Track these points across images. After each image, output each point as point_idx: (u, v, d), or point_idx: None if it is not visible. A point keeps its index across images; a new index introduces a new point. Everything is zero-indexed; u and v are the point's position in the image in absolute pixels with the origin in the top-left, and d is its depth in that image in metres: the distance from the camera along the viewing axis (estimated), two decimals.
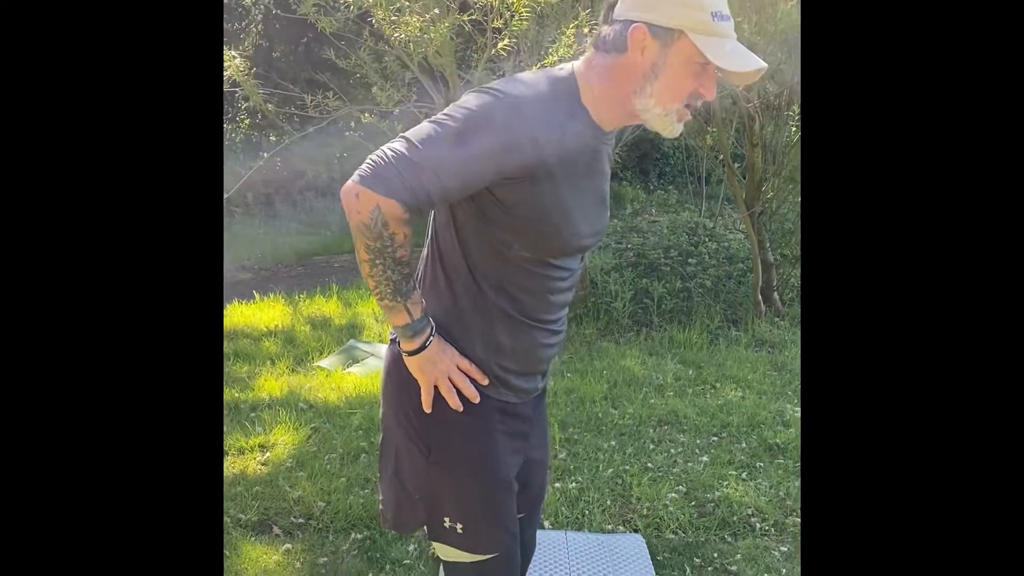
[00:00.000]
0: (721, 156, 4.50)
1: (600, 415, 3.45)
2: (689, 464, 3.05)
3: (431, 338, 1.25)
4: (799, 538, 2.58)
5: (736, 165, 4.99)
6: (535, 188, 1.17)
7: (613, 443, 3.19)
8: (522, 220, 1.19)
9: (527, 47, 3.53)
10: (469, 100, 1.16)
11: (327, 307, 5.13)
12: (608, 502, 2.76)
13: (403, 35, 2.97)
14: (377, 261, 1.17)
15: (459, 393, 1.28)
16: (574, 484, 2.85)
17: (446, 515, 1.31)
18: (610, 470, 2.96)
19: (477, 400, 1.28)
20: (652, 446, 3.19)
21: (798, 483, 2.91)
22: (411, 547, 2.45)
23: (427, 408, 1.28)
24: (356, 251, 1.19)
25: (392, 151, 1.13)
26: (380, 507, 1.39)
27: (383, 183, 1.12)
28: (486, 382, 1.29)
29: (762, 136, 4.35)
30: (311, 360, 4.13)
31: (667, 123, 1.21)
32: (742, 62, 1.15)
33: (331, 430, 3.23)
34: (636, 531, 2.60)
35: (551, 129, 1.16)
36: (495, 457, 1.31)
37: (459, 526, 1.30)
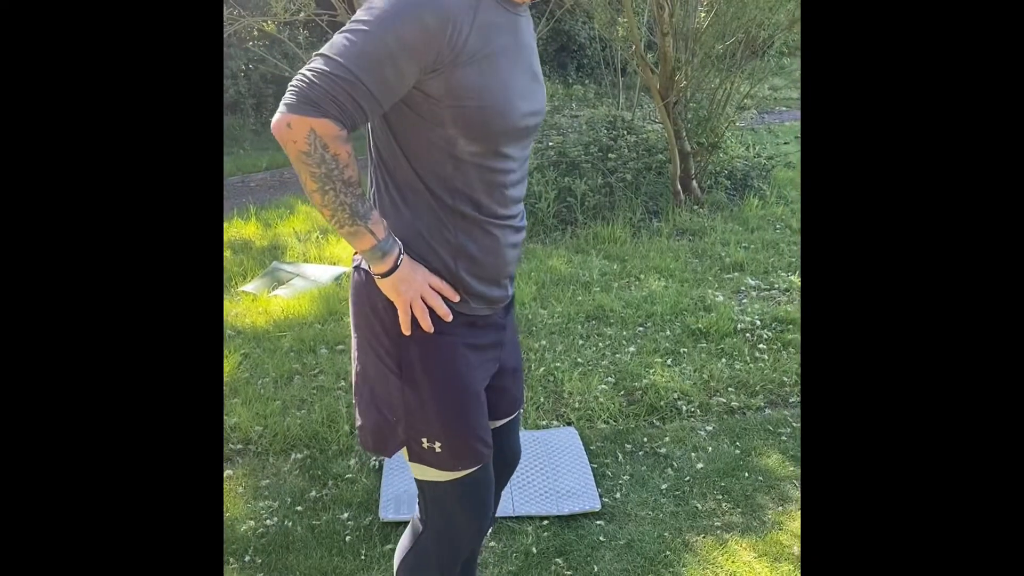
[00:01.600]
0: (633, 47, 4.45)
1: (530, 316, 3.51)
2: (617, 355, 3.15)
3: (401, 256, 1.23)
4: (723, 417, 2.73)
5: (649, 55, 4.95)
6: (463, 72, 1.15)
7: (544, 342, 3.27)
8: (459, 110, 1.17)
9: None
10: (374, 1, 1.12)
11: (246, 229, 5.00)
12: (542, 399, 2.85)
13: None
14: (327, 187, 1.14)
15: (431, 312, 1.27)
16: None
17: (423, 435, 1.31)
18: (542, 368, 3.04)
19: (450, 319, 1.28)
20: (581, 342, 3.28)
21: (720, 364, 3.05)
22: (352, 461, 2.50)
23: (405, 330, 1.26)
24: (303, 183, 1.15)
25: (312, 71, 1.10)
26: (358, 432, 1.39)
27: (312, 105, 1.09)
28: (457, 298, 1.29)
29: (672, 24, 4.31)
30: (235, 285, 4.06)
31: None
32: None
33: (262, 355, 3.21)
34: (569, 424, 2.71)
35: (462, 9, 1.14)
36: (466, 372, 1.32)
37: (437, 445, 1.31)
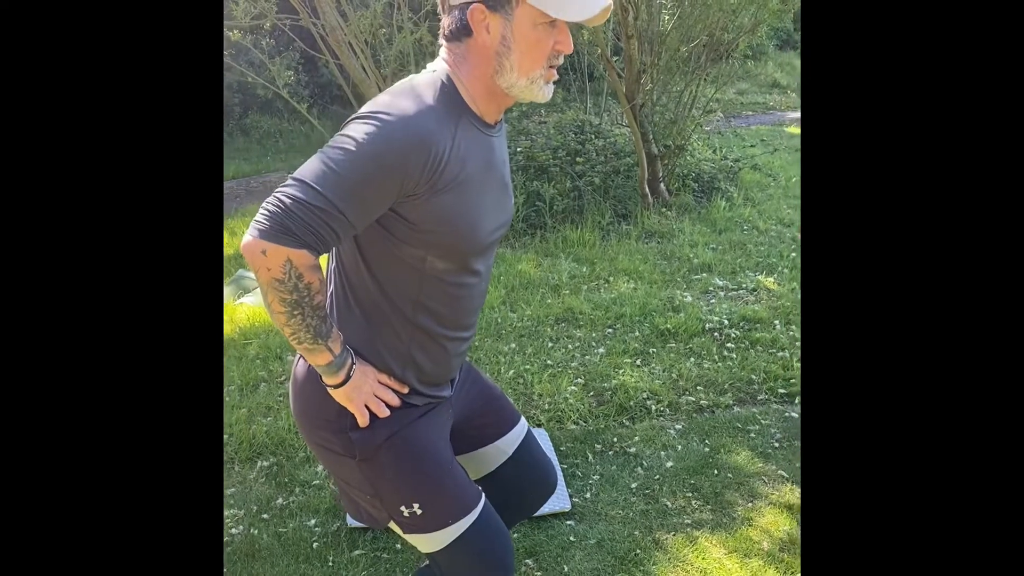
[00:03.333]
0: (599, 51, 4.47)
1: (499, 320, 3.50)
2: (586, 357, 3.15)
3: (353, 367, 1.23)
4: (692, 416, 2.74)
5: (615, 58, 4.98)
6: (438, 199, 1.14)
7: (513, 345, 3.26)
8: (431, 233, 1.17)
9: None
10: (353, 129, 1.11)
11: None
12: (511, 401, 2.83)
13: None
14: (295, 312, 1.14)
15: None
16: None
17: (400, 504, 1.29)
18: (511, 371, 3.03)
19: (398, 404, 1.28)
20: (550, 344, 3.28)
21: (689, 364, 3.06)
22: (319, 467, 2.47)
23: (363, 423, 1.26)
24: (268, 304, 1.14)
25: (290, 197, 1.07)
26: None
27: (288, 234, 1.07)
28: (406, 390, 1.29)
29: (636, 27, 4.34)
30: None
31: (536, 90, 1.18)
32: (585, 8, 1.12)
33: (228, 362, 3.17)
34: (539, 426, 2.69)
35: (442, 139, 1.12)
36: (421, 433, 1.31)
37: (416, 507, 1.29)
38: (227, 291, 3.96)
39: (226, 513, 2.27)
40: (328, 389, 1.24)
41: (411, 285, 1.23)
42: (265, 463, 2.51)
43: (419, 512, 1.29)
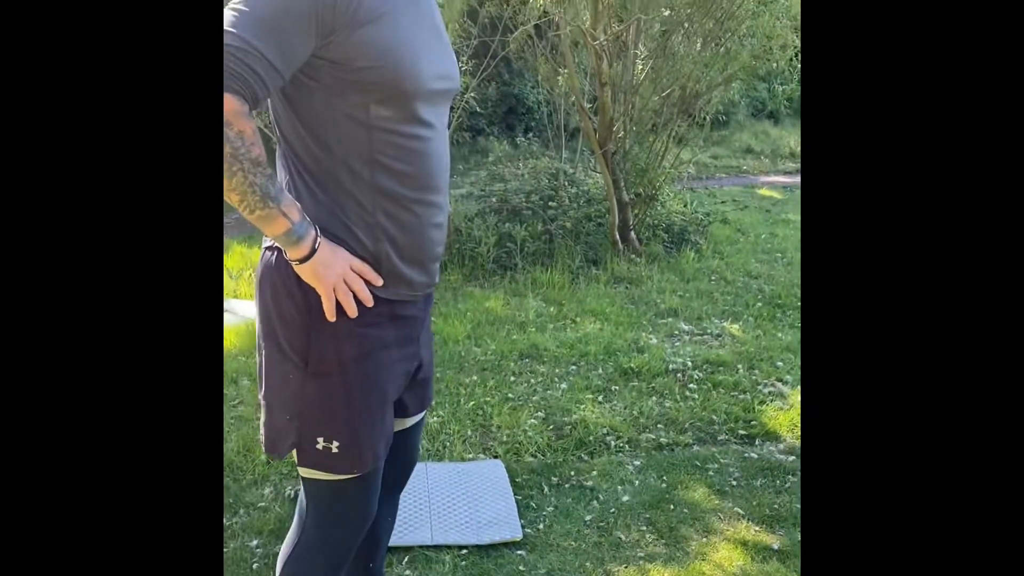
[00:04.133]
0: (573, 98, 4.56)
1: (463, 353, 3.47)
2: (548, 392, 3.12)
3: (319, 239, 1.17)
4: (652, 452, 2.71)
5: (589, 107, 5.07)
6: (363, 32, 1.12)
7: (475, 378, 3.22)
8: (365, 71, 1.14)
9: None
10: None
11: None
12: (469, 432, 2.78)
13: None
14: (234, 167, 1.08)
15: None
16: (436, 418, 2.85)
17: (319, 434, 1.23)
18: (471, 403, 2.98)
19: (371, 303, 1.21)
20: (513, 378, 3.24)
21: (651, 402, 3.04)
22: (267, 490, 2.39)
23: (330, 316, 1.19)
24: None
25: None
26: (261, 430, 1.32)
27: None
28: (380, 282, 1.22)
29: (611, 75, 4.43)
30: None
31: None
32: None
33: None
34: (496, 457, 2.64)
35: None
36: (382, 371, 1.26)
37: (335, 444, 1.23)
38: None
39: None
40: (294, 267, 1.17)
41: (360, 142, 1.18)
42: None
43: (334, 450, 1.24)
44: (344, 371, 1.23)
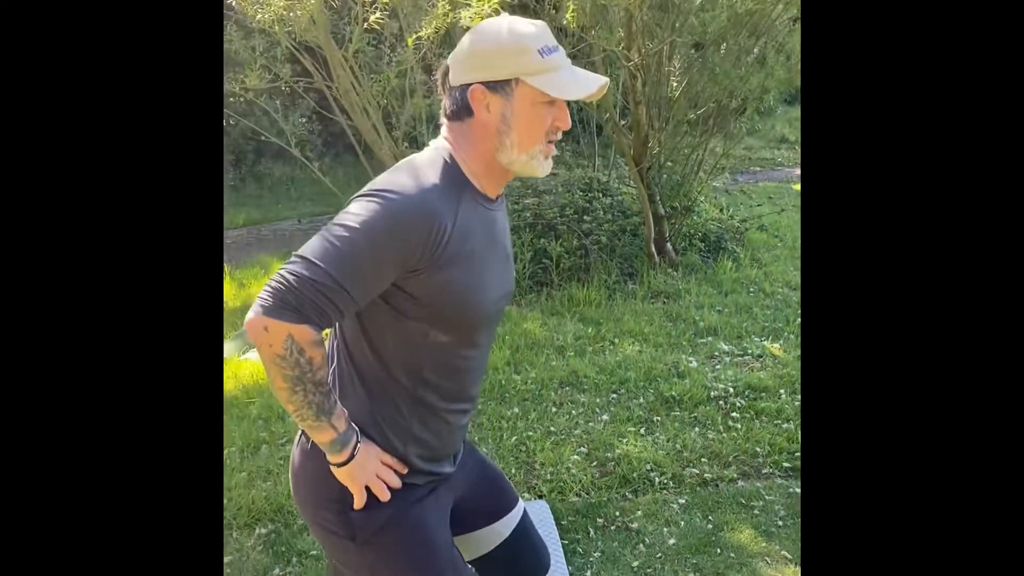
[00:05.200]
0: (608, 115, 4.54)
1: (503, 382, 3.49)
2: (590, 424, 3.13)
3: (359, 445, 1.23)
4: (696, 489, 2.71)
5: (622, 121, 5.04)
6: (442, 275, 1.16)
7: (516, 409, 3.24)
8: (434, 307, 1.19)
9: (403, 15, 3.44)
10: (357, 207, 1.13)
11: None
12: (513, 470, 2.81)
13: (268, 15, 2.83)
14: (297, 388, 1.14)
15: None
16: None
17: None
18: (514, 438, 3.01)
19: (399, 486, 1.27)
20: (554, 409, 3.26)
21: (694, 434, 3.04)
22: None
23: (359, 505, 1.25)
24: (271, 380, 1.15)
25: (292, 274, 1.09)
26: None
27: (290, 310, 1.09)
28: (406, 471, 1.29)
29: (645, 93, 4.41)
30: None
31: (536, 165, 1.22)
32: (582, 87, 1.17)
33: (229, 422, 3.16)
34: (540, 497, 2.67)
35: (444, 214, 1.15)
36: (425, 515, 1.30)
37: None
38: (232, 345, 3.97)
39: None
40: (331, 467, 1.23)
41: (413, 359, 1.23)
42: (263, 530, 2.49)
43: None
44: (391, 532, 1.28)
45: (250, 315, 1.10)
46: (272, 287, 1.10)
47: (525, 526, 1.54)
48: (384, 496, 1.26)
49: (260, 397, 3.36)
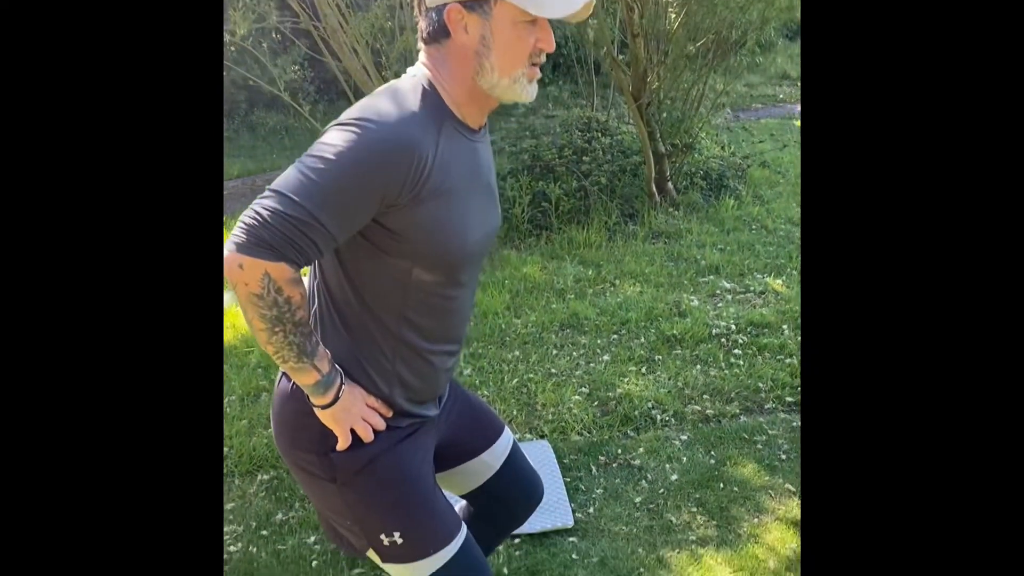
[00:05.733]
0: (605, 49, 4.41)
1: (503, 326, 3.46)
2: (591, 365, 3.11)
3: (343, 387, 1.19)
4: (698, 426, 2.70)
5: (621, 56, 4.92)
6: (422, 208, 1.10)
7: (517, 352, 3.22)
8: (417, 243, 1.13)
9: None
10: (332, 136, 1.07)
11: None
12: (515, 412, 2.80)
13: None
14: (276, 328, 1.10)
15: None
16: (482, 397, 2.87)
17: (380, 532, 1.26)
18: (515, 380, 2.99)
19: (383, 428, 1.25)
20: (555, 351, 3.24)
21: (695, 371, 3.02)
22: None
23: (343, 446, 1.22)
24: (248, 321, 1.10)
25: (267, 208, 1.04)
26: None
27: (266, 247, 1.04)
28: (390, 414, 1.26)
29: (642, 25, 4.27)
30: None
31: (519, 89, 1.15)
32: (565, 5, 1.10)
33: (228, 371, 3.15)
34: (543, 437, 2.66)
35: (424, 145, 1.09)
36: (407, 462, 1.28)
37: (397, 536, 1.25)
38: (229, 296, 3.94)
39: (225, 529, 2.24)
40: (315, 410, 1.20)
41: (395, 299, 1.19)
42: (265, 476, 2.49)
43: (400, 541, 1.26)
44: (371, 472, 1.25)
45: (225, 255, 1.05)
46: (246, 223, 1.05)
47: (516, 458, 1.52)
48: (368, 437, 1.23)
49: (258, 346, 3.34)
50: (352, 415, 1.21)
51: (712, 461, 2.49)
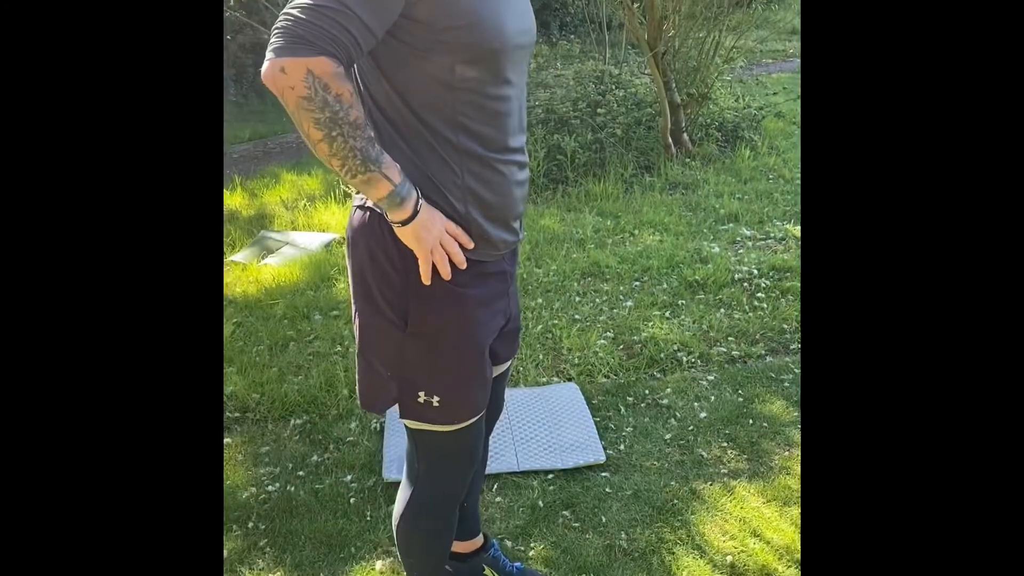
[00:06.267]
0: None
1: (525, 276, 3.47)
2: (614, 311, 3.12)
3: (420, 201, 1.16)
4: (724, 366, 2.71)
5: (635, 5, 4.85)
6: None
7: (540, 300, 3.23)
8: (452, 31, 1.11)
9: None
10: None
11: (232, 200, 4.92)
12: (540, 356, 2.82)
13: None
14: (334, 132, 1.06)
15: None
16: None
17: (420, 389, 1.27)
18: (539, 326, 3.01)
19: (464, 266, 1.22)
20: (578, 298, 3.25)
21: (719, 315, 3.03)
22: (353, 424, 2.47)
23: (426, 279, 1.20)
24: (305, 135, 1.07)
25: (297, 8, 1.03)
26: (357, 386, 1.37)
27: (305, 43, 1.02)
28: (472, 245, 1.23)
29: None
30: (224, 256, 3.99)
31: None
32: None
33: (255, 323, 3.17)
34: (570, 379, 2.68)
35: None
36: (477, 326, 1.28)
37: (435, 399, 1.27)
38: (250, 252, 3.95)
39: (261, 471, 2.28)
40: (395, 228, 1.18)
41: (445, 103, 1.17)
42: (298, 421, 2.52)
43: (435, 404, 1.28)
44: (443, 331, 1.25)
45: (264, 66, 1.04)
46: (280, 27, 1.04)
47: (505, 376, 1.56)
48: (446, 272, 1.20)
49: (283, 298, 3.36)
50: (433, 233, 1.17)
51: (740, 399, 2.51)
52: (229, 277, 3.68)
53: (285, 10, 1.05)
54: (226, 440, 2.43)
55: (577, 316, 3.09)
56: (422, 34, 1.12)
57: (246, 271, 3.71)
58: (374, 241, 1.23)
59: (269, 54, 1.04)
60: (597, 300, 3.22)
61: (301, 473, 2.27)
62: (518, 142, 1.27)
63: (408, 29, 1.11)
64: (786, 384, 2.57)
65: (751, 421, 2.39)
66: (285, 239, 4.07)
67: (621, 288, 3.31)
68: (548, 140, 4.79)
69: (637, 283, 3.35)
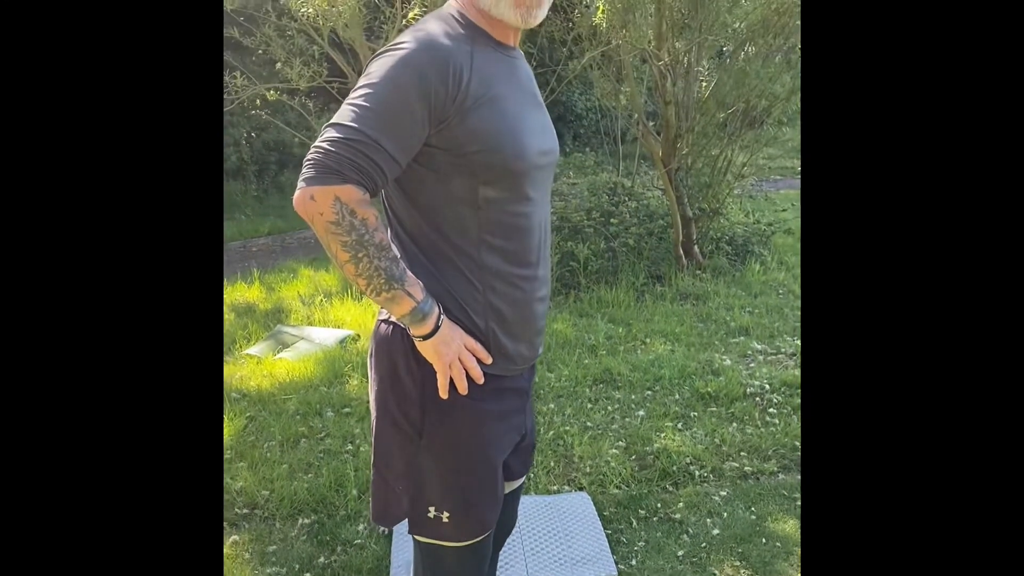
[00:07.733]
0: (636, 115, 4.55)
1: (537, 380, 3.49)
2: (626, 419, 3.13)
3: (442, 317, 1.21)
4: (737, 482, 2.70)
5: (650, 123, 5.06)
6: (472, 118, 1.16)
7: (552, 405, 3.24)
8: (475, 155, 1.18)
9: None
10: (372, 67, 1.16)
11: (250, 293, 5.00)
12: (552, 463, 2.81)
13: (311, 9, 2.88)
14: (360, 254, 1.13)
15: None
16: None
17: (431, 504, 1.28)
18: (551, 432, 3.01)
19: (482, 381, 1.25)
20: (589, 405, 3.26)
21: (731, 429, 3.03)
22: (361, 526, 2.44)
23: (443, 394, 1.24)
24: (333, 256, 1.14)
25: (326, 141, 1.11)
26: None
27: (333, 173, 1.10)
28: (490, 360, 1.27)
29: (674, 93, 4.42)
30: (239, 348, 4.03)
31: (504, 8, 1.21)
32: None
33: (267, 417, 3.17)
34: (581, 489, 2.66)
35: (458, 53, 1.16)
36: (491, 441, 1.30)
37: (445, 515, 1.28)
38: (265, 346, 3.99)
39: (268, 571, 2.25)
40: (416, 342, 1.21)
41: (470, 223, 1.22)
42: (306, 520, 2.49)
43: (445, 519, 1.28)
44: (457, 444, 1.28)
45: (296, 194, 1.11)
46: (310, 159, 1.11)
47: (518, 492, 1.56)
48: (463, 387, 1.23)
49: (296, 393, 3.38)
50: (452, 349, 1.21)
51: (753, 517, 2.48)
52: (243, 370, 3.71)
53: (315, 143, 1.13)
54: (234, 537, 2.41)
55: (589, 423, 3.09)
56: (445, 159, 1.18)
57: (260, 365, 3.74)
58: (396, 355, 1.27)
59: (300, 183, 1.11)
60: (609, 408, 3.23)
61: (307, 575, 2.23)
62: (540, 255, 1.32)
63: (432, 155, 1.18)
64: (799, 503, 2.54)
65: (764, 540, 2.36)
66: (301, 334, 4.11)
67: (633, 396, 3.32)
68: (562, 247, 4.90)
69: (649, 392, 3.37)
